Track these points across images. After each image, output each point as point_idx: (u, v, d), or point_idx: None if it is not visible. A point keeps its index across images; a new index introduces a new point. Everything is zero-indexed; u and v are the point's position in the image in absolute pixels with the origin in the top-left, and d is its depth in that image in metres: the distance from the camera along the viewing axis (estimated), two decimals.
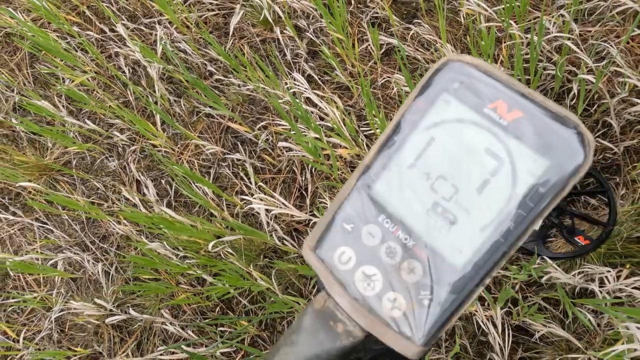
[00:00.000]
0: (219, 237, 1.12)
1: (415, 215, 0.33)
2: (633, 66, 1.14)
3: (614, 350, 0.80)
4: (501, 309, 1.01)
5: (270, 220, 1.25)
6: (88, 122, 1.42)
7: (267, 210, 1.13)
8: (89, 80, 1.48)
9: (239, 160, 1.36)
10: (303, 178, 1.32)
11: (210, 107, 1.41)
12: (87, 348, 1.29)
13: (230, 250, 1.14)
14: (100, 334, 1.30)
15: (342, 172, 1.26)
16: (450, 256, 0.32)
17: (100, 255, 1.37)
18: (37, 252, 1.41)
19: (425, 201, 0.33)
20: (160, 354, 1.16)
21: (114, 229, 1.33)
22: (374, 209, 0.34)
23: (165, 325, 1.17)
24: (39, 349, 1.32)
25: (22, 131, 1.56)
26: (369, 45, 1.34)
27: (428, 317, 0.31)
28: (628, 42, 1.17)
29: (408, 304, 0.32)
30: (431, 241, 0.32)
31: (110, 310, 1.25)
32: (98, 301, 1.20)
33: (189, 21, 1.51)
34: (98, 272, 1.30)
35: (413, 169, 0.34)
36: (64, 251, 1.38)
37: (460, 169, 0.32)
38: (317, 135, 1.11)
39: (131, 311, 1.18)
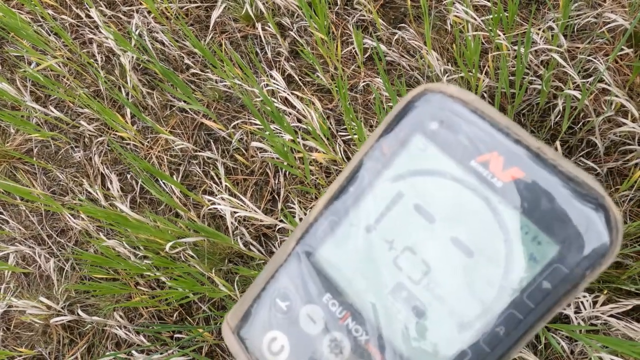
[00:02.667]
0: (181, 238, 1.05)
1: (371, 299, 0.24)
2: (621, 85, 1.11)
3: None
4: None
5: (237, 222, 1.18)
6: (53, 109, 1.35)
7: (232, 212, 1.07)
8: (59, 66, 1.41)
9: (210, 158, 1.29)
10: (276, 181, 1.26)
11: (184, 101, 1.35)
12: (34, 348, 1.21)
13: (191, 253, 1.08)
14: (49, 334, 1.22)
15: (317, 178, 1.20)
16: None
17: (57, 250, 1.29)
18: None
19: (385, 280, 0.24)
20: None
21: (72, 223, 1.25)
22: (317, 284, 0.26)
23: (116, 329, 1.10)
24: None
25: None
26: (354, 48, 1.29)
27: None
28: (616, 62, 1.14)
29: None
30: (391, 337, 0.24)
31: (59, 310, 1.17)
32: (44, 300, 1.12)
33: (169, 12, 1.45)
34: (50, 268, 1.22)
35: (372, 234, 0.25)
36: (17, 244, 1.30)
37: (435, 241, 0.24)
38: (291, 137, 1.06)
39: (80, 312, 1.10)
